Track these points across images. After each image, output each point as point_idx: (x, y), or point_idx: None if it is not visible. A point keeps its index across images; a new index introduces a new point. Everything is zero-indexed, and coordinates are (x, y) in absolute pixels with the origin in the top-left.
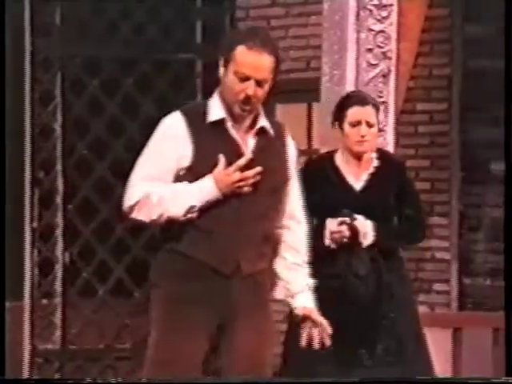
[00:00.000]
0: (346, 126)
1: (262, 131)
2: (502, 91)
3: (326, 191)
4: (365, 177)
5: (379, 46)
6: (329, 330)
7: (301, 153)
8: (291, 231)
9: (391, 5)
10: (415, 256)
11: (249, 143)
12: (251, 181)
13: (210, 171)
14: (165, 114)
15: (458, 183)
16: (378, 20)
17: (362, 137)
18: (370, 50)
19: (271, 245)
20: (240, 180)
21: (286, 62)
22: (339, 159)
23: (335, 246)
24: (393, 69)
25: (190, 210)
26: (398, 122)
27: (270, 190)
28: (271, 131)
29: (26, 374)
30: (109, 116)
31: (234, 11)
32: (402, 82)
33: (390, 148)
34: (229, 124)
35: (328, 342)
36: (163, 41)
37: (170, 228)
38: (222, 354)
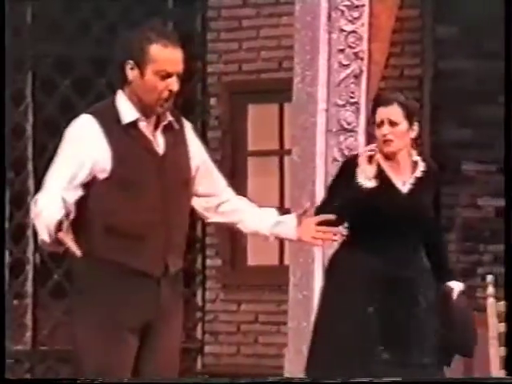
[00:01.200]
0: (375, 128)
1: (167, 126)
2: (472, 91)
3: (370, 191)
4: (412, 180)
5: (351, 47)
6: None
7: (273, 153)
8: (234, 199)
9: (363, 6)
10: None
11: (158, 140)
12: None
13: (131, 173)
14: None
15: None
16: (350, 21)
17: (384, 136)
18: (341, 50)
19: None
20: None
21: (258, 62)
22: (383, 160)
23: None
24: (364, 69)
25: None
26: (369, 123)
27: (183, 185)
28: (176, 125)
29: None
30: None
31: (206, 11)
32: (373, 82)
33: (361, 149)
34: (142, 124)
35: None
36: None
37: (90, 235)
38: (150, 349)
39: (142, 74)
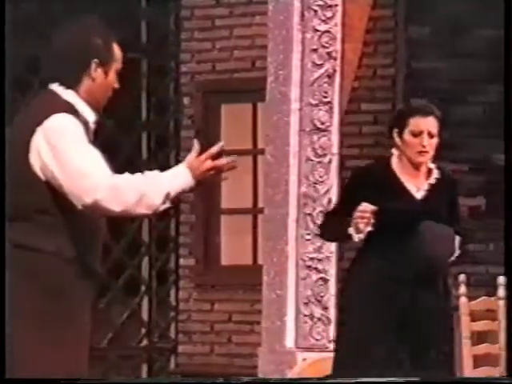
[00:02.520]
0: (407, 135)
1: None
2: (444, 91)
3: (383, 199)
4: (426, 186)
5: (324, 47)
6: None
7: (246, 152)
8: None
9: (336, 5)
10: None
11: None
12: (225, 169)
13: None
14: (111, 114)
15: None
16: (323, 20)
17: (424, 147)
18: (314, 50)
19: None
20: (213, 168)
21: (231, 61)
22: (396, 166)
23: (357, 233)
24: (338, 69)
25: (167, 197)
26: (342, 123)
27: None
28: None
29: None
30: None
31: (179, 11)
32: (346, 82)
33: (335, 149)
34: (93, 128)
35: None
36: None
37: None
38: None
39: (106, 73)
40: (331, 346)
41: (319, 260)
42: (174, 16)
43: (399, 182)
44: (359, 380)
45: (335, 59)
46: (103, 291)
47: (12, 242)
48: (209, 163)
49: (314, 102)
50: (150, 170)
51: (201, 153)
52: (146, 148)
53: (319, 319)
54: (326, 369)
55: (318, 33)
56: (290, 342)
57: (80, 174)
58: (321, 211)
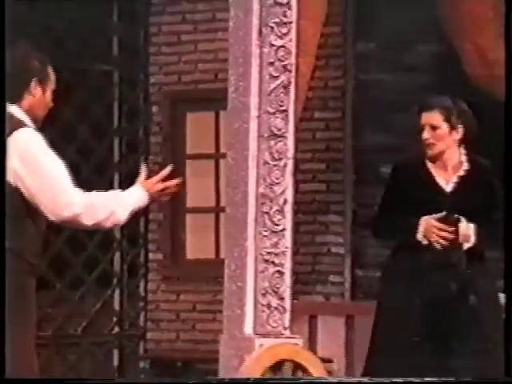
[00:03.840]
0: (422, 132)
1: None
2: (389, 101)
3: (417, 191)
4: (455, 179)
5: (280, 60)
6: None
7: (209, 156)
8: None
9: (290, 22)
10: (313, 250)
11: None
12: (173, 189)
13: None
14: (83, 121)
15: (351, 185)
16: (279, 36)
17: (426, 140)
18: (271, 63)
19: None
20: (164, 188)
21: (196, 74)
22: (429, 164)
23: (428, 241)
24: (292, 80)
25: (130, 214)
26: (297, 129)
27: None
28: None
29: None
30: None
31: (148, 27)
32: (300, 92)
33: (290, 153)
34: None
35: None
36: (82, 53)
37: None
38: None
39: (43, 91)
40: (286, 332)
41: (276, 254)
42: (143, 32)
43: (431, 177)
44: (359, 380)
45: (290, 71)
46: (78, 284)
47: None
48: (160, 185)
49: (271, 110)
50: (121, 172)
51: (165, 158)
52: (117, 152)
53: (276, 308)
54: (281, 353)
55: (275, 47)
56: (248, 329)
57: (57, 189)
58: (277, 210)
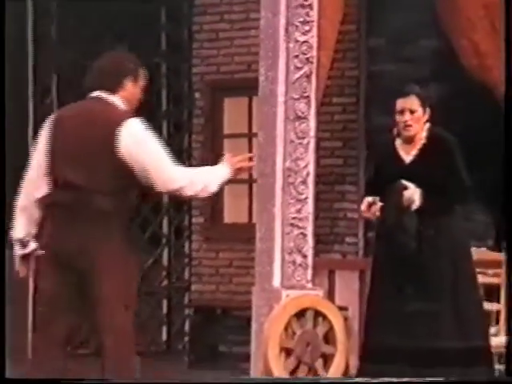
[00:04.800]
0: (397, 115)
1: None
2: (397, 88)
3: (384, 167)
4: (414, 152)
5: (303, 53)
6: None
7: (243, 135)
8: None
9: (312, 21)
10: (331, 215)
11: None
12: (248, 168)
13: None
14: (138, 108)
15: (364, 159)
16: (303, 33)
17: (405, 122)
18: (296, 56)
19: None
20: (243, 167)
21: (232, 65)
22: (398, 142)
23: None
24: (314, 71)
25: (219, 186)
26: (318, 112)
27: None
28: None
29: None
30: None
31: (191, 26)
32: (321, 81)
33: (312, 133)
34: None
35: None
36: (136, 48)
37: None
38: None
39: (135, 87)
40: (309, 285)
41: (300, 219)
42: (187, 30)
43: (396, 152)
44: (359, 380)
45: (312, 63)
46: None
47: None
48: (240, 164)
49: (295, 96)
50: (169, 149)
51: (206, 137)
52: (165, 132)
53: (300, 265)
54: (305, 302)
55: (299, 43)
56: (276, 282)
57: (165, 167)
58: (301, 181)
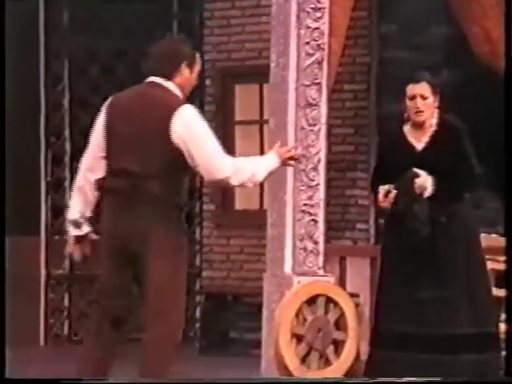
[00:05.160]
0: (407, 101)
1: None
2: (408, 75)
3: (395, 154)
4: (425, 139)
5: (315, 40)
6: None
7: (254, 122)
8: None
9: (324, 8)
10: (342, 202)
11: None
12: (296, 158)
13: None
14: None
15: (375, 146)
16: (314, 20)
17: (417, 108)
18: (307, 42)
19: None
20: (292, 157)
21: (243, 52)
22: (407, 128)
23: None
24: (325, 57)
25: (266, 176)
26: (329, 99)
27: None
28: None
29: (42, 293)
30: (105, 95)
31: (202, 13)
32: (332, 67)
33: (323, 119)
34: None
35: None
36: (148, 36)
37: None
38: None
39: (191, 72)
40: (320, 271)
41: (311, 206)
42: (199, 17)
43: (405, 139)
44: (359, 380)
45: (323, 50)
46: None
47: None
48: (289, 153)
49: (307, 83)
50: None
51: (217, 124)
52: None
53: (311, 251)
54: (316, 289)
55: (310, 29)
56: (288, 268)
57: (214, 156)
58: (312, 168)
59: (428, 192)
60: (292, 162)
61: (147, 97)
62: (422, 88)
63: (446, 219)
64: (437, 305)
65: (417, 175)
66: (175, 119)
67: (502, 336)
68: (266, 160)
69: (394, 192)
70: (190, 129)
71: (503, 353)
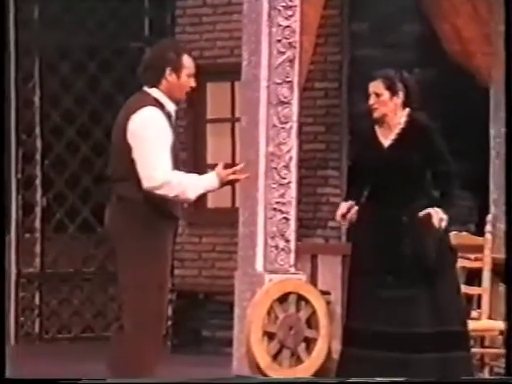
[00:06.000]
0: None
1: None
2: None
3: (365, 152)
4: (392, 137)
5: (286, 38)
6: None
7: (226, 120)
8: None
9: (295, 6)
10: (314, 200)
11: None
12: (241, 180)
13: (173, 151)
14: (121, 91)
15: (347, 144)
16: (285, 18)
17: (371, 105)
18: (279, 40)
19: None
20: (234, 179)
21: (214, 50)
22: (377, 126)
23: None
24: (297, 55)
25: (199, 195)
26: (301, 97)
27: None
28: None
29: (13, 291)
30: (76, 92)
31: (174, 10)
32: (303, 65)
33: (295, 117)
34: (174, 114)
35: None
36: (119, 33)
37: None
38: None
39: (178, 76)
40: (292, 269)
41: (283, 204)
42: (170, 14)
43: (375, 137)
44: (359, 380)
45: (295, 48)
46: None
47: (117, 196)
48: (231, 176)
49: (278, 81)
50: None
51: (189, 121)
52: None
53: (282, 249)
54: (287, 287)
55: (282, 27)
56: (259, 266)
57: (149, 164)
58: (284, 166)
59: (446, 220)
60: (233, 183)
61: (125, 106)
62: (375, 86)
63: (408, 218)
64: (401, 304)
65: (428, 216)
66: (131, 120)
67: (477, 333)
68: (204, 179)
69: (355, 208)
70: (138, 131)
71: (482, 350)
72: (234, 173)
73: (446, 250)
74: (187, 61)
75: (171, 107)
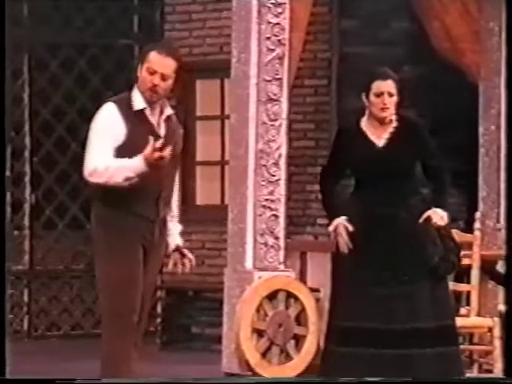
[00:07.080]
0: (372, 97)
1: (168, 118)
2: (369, 70)
3: (352, 151)
4: (386, 135)
5: (275, 35)
6: (192, 259)
7: (216, 117)
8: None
9: (284, 3)
10: (303, 197)
11: (161, 127)
12: (167, 158)
13: (140, 146)
14: (109, 88)
15: None
16: (275, 15)
17: (384, 105)
18: (268, 38)
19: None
20: (159, 157)
21: (204, 47)
22: (364, 124)
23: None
24: (286, 53)
25: (128, 179)
26: (290, 94)
27: (174, 161)
28: (174, 118)
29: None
30: (65, 89)
31: (163, 7)
32: (293, 63)
33: (284, 115)
34: (147, 111)
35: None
36: (108, 30)
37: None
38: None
39: (140, 71)
40: (281, 266)
41: (272, 201)
42: (160, 11)
43: (365, 136)
44: (359, 380)
45: (284, 45)
46: None
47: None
48: (156, 154)
49: (268, 78)
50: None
51: (178, 119)
52: None
53: (272, 246)
54: (277, 284)
55: (271, 24)
56: (249, 263)
57: (87, 156)
58: (273, 163)
59: (446, 217)
60: (163, 162)
61: None
62: (389, 85)
63: (404, 215)
64: (396, 300)
65: (428, 218)
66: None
67: (465, 330)
68: (130, 161)
69: (350, 228)
70: (91, 127)
71: (471, 347)
72: (156, 150)
73: (447, 246)
74: (154, 57)
75: (140, 104)
